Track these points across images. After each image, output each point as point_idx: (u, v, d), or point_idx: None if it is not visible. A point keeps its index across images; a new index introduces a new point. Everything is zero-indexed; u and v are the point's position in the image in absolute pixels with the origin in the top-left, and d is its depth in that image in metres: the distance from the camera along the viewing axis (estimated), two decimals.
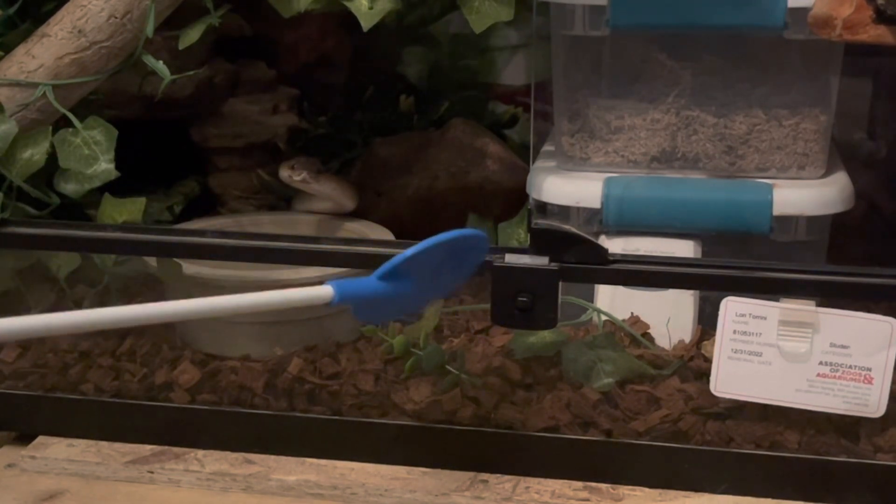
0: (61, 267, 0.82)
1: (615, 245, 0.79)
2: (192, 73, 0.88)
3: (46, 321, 0.50)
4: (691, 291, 0.78)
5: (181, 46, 0.84)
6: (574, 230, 0.70)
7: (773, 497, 0.71)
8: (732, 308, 0.71)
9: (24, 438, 0.80)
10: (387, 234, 0.90)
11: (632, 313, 0.79)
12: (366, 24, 0.81)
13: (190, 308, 0.55)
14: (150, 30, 0.81)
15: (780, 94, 0.82)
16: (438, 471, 0.74)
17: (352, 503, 0.73)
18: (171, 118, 0.98)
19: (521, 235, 0.87)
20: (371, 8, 0.81)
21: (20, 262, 0.82)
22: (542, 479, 0.73)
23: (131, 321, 0.54)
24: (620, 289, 0.78)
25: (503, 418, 0.75)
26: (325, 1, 0.83)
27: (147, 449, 0.78)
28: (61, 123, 0.82)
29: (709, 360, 0.74)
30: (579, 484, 0.73)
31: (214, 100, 0.99)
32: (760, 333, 0.71)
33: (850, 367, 0.69)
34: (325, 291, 0.57)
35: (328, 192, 0.93)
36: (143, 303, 0.83)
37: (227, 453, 0.77)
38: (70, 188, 0.81)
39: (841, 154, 0.89)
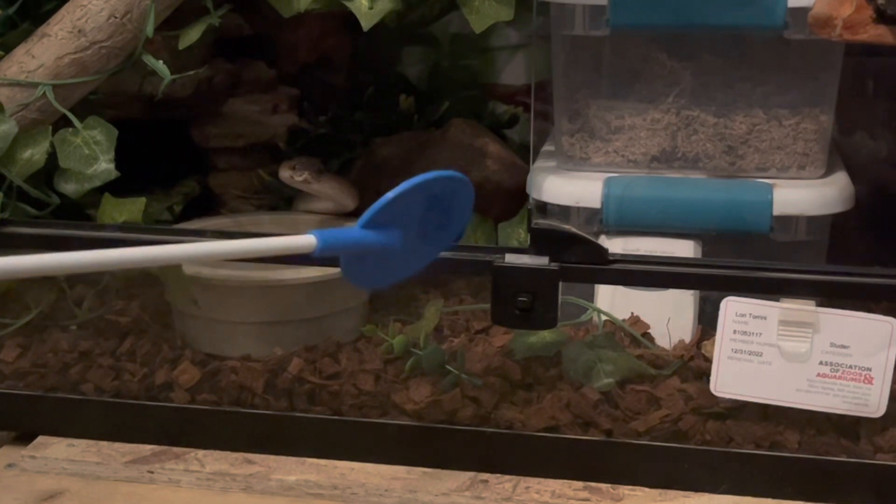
0: None
1: (615, 245, 0.79)
2: (192, 73, 0.88)
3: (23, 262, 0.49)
4: (691, 291, 0.78)
5: (181, 46, 0.84)
6: (574, 230, 0.70)
7: (773, 497, 0.71)
8: (732, 308, 0.71)
9: (24, 438, 0.79)
10: None
11: (632, 313, 0.79)
12: (366, 24, 0.81)
13: (171, 253, 0.53)
14: (150, 30, 0.81)
15: (780, 94, 0.82)
16: (438, 471, 0.74)
17: (352, 503, 0.73)
18: (171, 118, 0.98)
19: (521, 235, 0.87)
20: (371, 8, 0.81)
21: None
22: (542, 479, 0.73)
23: (103, 265, 0.51)
24: (620, 289, 0.78)
25: (503, 418, 0.75)
26: (325, 1, 0.82)
27: (147, 449, 0.78)
28: (61, 123, 0.82)
29: (709, 360, 0.74)
30: (579, 484, 0.73)
31: (214, 100, 0.99)
32: (760, 333, 0.71)
33: (850, 367, 0.69)
34: (308, 241, 0.55)
35: (329, 192, 0.93)
36: (143, 301, 0.85)
37: (227, 453, 0.77)
38: (70, 188, 0.81)
39: (841, 154, 0.89)
